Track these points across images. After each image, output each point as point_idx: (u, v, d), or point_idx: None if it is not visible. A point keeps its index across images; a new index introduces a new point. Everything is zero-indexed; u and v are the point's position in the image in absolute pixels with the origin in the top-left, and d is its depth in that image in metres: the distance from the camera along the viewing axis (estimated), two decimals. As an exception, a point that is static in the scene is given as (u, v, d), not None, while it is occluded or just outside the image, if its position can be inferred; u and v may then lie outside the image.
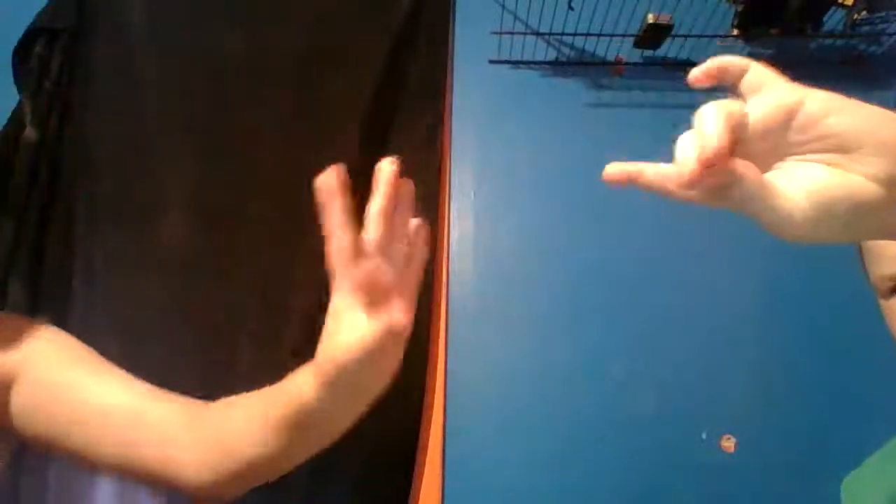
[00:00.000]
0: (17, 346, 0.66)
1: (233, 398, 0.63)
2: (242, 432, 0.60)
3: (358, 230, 0.49)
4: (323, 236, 0.48)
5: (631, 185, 0.45)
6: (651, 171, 0.44)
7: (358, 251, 0.48)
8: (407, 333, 0.49)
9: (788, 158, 0.39)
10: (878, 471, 0.65)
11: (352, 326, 0.49)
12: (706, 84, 0.44)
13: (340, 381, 0.51)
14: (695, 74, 0.44)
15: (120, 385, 0.67)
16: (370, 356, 0.49)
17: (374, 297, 0.49)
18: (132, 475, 0.66)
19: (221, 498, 0.65)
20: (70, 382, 0.65)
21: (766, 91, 0.40)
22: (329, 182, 0.49)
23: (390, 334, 0.48)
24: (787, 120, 0.38)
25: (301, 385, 0.54)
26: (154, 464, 0.63)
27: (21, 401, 0.65)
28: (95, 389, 0.65)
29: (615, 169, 0.46)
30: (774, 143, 0.39)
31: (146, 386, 0.68)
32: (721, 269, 1.63)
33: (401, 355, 0.52)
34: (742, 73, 0.42)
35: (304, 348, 1.64)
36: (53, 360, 0.66)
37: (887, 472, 0.62)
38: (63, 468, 1.37)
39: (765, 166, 0.40)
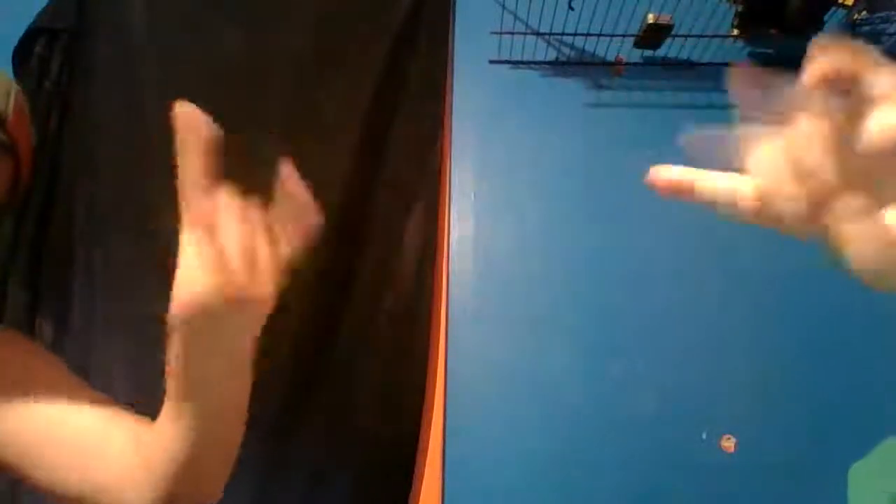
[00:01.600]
0: None
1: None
2: (167, 433, 0.60)
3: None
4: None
5: (681, 197, 0.38)
6: (712, 184, 0.37)
7: (207, 189, 0.46)
8: (248, 300, 0.47)
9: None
10: (885, 460, 0.64)
11: (188, 280, 0.47)
12: (819, 87, 0.33)
13: (189, 338, 0.50)
14: (812, 73, 0.33)
15: (86, 412, 0.66)
16: (202, 315, 0.47)
17: (213, 245, 0.46)
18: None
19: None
20: (39, 408, 0.64)
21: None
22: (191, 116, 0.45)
23: (221, 298, 0.45)
24: None
25: (170, 355, 0.53)
26: (114, 491, 0.63)
27: None
28: (64, 416, 0.65)
29: (665, 175, 0.38)
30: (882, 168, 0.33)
31: (111, 408, 0.67)
32: (721, 269, 1.63)
33: (257, 316, 0.50)
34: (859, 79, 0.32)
35: (305, 344, 1.63)
36: (24, 383, 0.65)
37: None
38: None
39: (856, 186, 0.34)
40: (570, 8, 1.66)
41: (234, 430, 0.63)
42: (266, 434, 1.38)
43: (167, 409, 0.59)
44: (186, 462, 0.60)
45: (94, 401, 0.67)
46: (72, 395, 0.67)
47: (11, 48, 1.60)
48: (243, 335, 0.52)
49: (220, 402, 0.58)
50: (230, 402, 0.59)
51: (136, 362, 1.42)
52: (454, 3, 1.79)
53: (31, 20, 1.61)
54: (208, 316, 0.47)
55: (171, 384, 0.56)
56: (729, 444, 1.51)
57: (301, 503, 1.41)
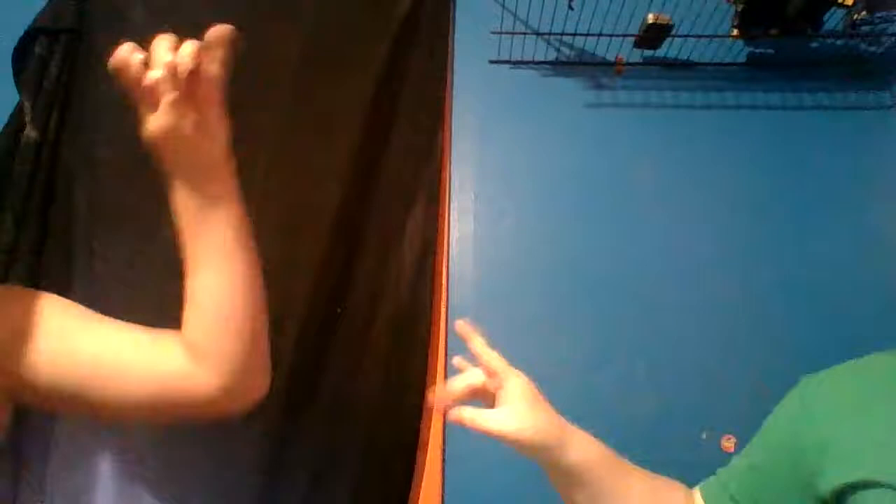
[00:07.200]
0: (23, 315, 0.67)
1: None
2: (206, 299, 0.66)
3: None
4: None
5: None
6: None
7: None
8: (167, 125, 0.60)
9: None
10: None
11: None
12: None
13: (167, 161, 0.65)
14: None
15: (125, 334, 0.70)
16: (158, 143, 0.62)
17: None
18: (160, 413, 0.70)
19: (250, 389, 0.69)
20: (83, 339, 0.67)
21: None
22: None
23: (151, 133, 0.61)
24: None
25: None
26: (179, 396, 0.66)
27: (43, 367, 0.65)
28: (107, 341, 0.68)
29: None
30: None
31: (142, 329, 0.71)
32: (722, 269, 1.63)
33: (187, 135, 0.62)
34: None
35: (305, 344, 1.63)
36: (63, 323, 0.68)
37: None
38: (62, 470, 1.37)
39: None
40: (570, 8, 1.66)
41: (253, 296, 0.68)
42: (266, 433, 1.38)
43: (190, 279, 0.67)
44: (225, 338, 0.65)
45: (120, 324, 0.71)
46: (99, 324, 0.71)
47: (11, 48, 1.60)
48: (193, 154, 0.64)
49: (227, 242, 0.66)
50: (237, 257, 0.67)
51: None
52: (454, 3, 1.79)
53: (31, 20, 1.61)
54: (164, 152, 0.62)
55: (182, 241, 0.67)
56: (729, 444, 1.51)
57: (301, 502, 1.41)
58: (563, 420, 0.75)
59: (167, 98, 0.59)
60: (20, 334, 0.65)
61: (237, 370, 0.66)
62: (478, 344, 0.76)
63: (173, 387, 0.66)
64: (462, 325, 0.77)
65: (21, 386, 0.65)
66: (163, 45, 0.59)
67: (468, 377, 0.74)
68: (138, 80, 0.58)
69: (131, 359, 0.67)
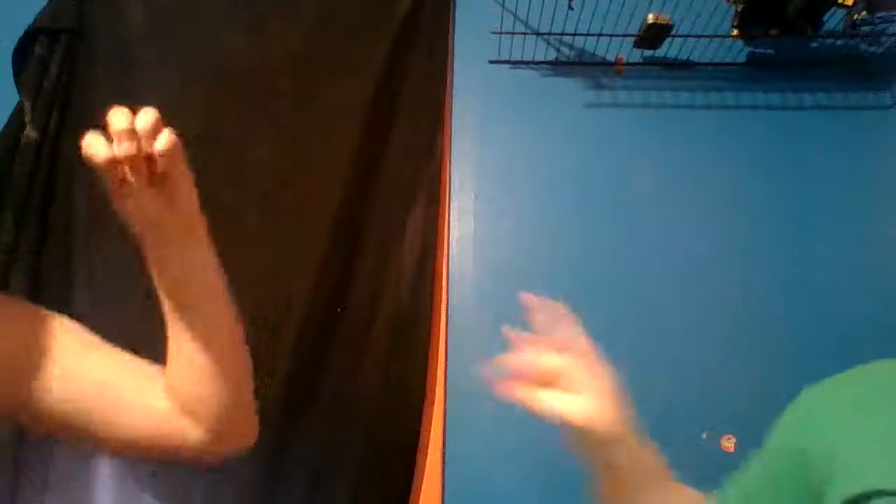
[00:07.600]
0: (32, 335, 0.67)
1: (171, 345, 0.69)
2: (189, 358, 0.66)
3: None
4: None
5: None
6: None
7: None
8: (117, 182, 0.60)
9: None
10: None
11: None
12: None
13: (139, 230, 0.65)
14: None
15: (128, 367, 0.70)
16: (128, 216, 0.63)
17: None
18: (151, 455, 0.70)
19: (236, 439, 0.70)
20: (92, 363, 0.68)
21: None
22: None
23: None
24: None
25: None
26: (168, 442, 0.67)
27: (53, 391, 0.65)
28: (113, 371, 0.68)
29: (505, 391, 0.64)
30: None
31: (141, 364, 0.71)
32: (721, 268, 1.63)
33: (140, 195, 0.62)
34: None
35: (306, 344, 1.62)
36: (75, 350, 0.68)
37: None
38: (63, 469, 1.37)
39: None
40: (570, 8, 1.66)
41: (233, 350, 0.68)
42: (266, 434, 1.38)
43: (171, 338, 0.67)
44: (208, 388, 0.66)
45: (122, 355, 0.71)
46: (105, 353, 0.70)
47: (11, 48, 1.60)
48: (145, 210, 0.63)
49: (204, 300, 0.66)
50: (213, 303, 0.67)
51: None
52: (454, 3, 1.79)
53: (31, 20, 1.61)
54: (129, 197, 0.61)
55: (160, 298, 0.67)
56: (729, 444, 1.51)
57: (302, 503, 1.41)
58: (634, 425, 0.72)
59: (130, 181, 0.60)
60: (33, 350, 0.65)
61: (223, 424, 0.67)
62: (576, 330, 0.72)
63: (166, 430, 0.67)
64: (560, 308, 0.73)
65: (23, 405, 0.64)
66: (118, 115, 0.60)
67: (542, 357, 0.68)
68: (105, 165, 0.59)
69: (133, 394, 0.67)
